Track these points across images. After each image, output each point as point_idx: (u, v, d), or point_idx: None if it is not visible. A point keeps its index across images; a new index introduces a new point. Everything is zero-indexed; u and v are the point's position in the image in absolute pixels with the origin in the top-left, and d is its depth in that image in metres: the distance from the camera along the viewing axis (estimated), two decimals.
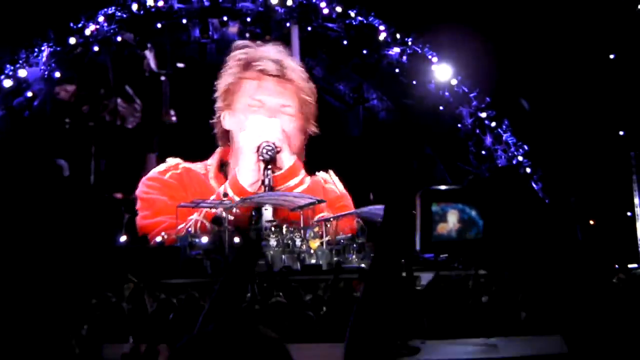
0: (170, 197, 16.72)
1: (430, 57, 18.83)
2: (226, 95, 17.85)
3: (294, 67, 18.19)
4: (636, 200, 16.14)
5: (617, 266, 13.35)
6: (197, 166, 18.01)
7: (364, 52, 19.40)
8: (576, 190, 16.28)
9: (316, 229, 14.87)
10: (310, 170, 18.25)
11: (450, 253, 0.86)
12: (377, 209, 15.70)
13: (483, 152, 18.77)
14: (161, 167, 17.67)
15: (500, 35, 15.77)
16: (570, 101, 16.19)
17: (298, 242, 14.63)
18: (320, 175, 18.47)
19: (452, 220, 0.83)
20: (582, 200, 16.25)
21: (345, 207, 17.52)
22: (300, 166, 17.75)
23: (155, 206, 16.80)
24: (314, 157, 18.39)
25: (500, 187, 0.81)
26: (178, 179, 17.42)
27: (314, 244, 14.37)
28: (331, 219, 14.99)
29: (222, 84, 17.77)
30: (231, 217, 15.70)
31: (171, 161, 17.76)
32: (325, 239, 14.74)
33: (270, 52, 17.82)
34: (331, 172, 18.46)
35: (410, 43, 18.97)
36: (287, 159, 17.32)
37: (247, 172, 17.42)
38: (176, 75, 19.88)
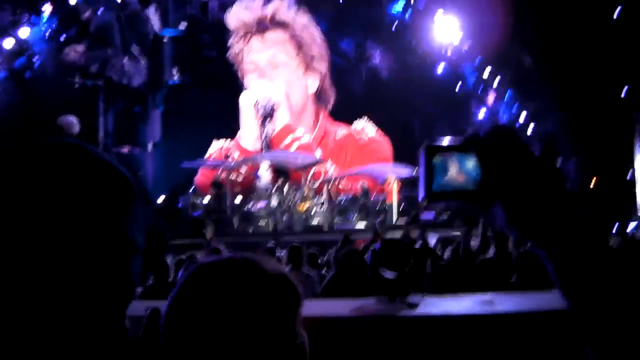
0: None
1: (433, 14, 18.52)
2: (237, 66, 18.39)
3: (279, 9, 17.97)
4: (636, 161, 16.07)
5: (617, 223, 13.46)
6: None
7: (367, 8, 19.12)
8: (577, 151, 16.29)
9: (306, 191, 14.62)
10: (347, 121, 18.28)
11: (450, 202, 0.89)
12: (379, 166, 15.72)
13: (485, 112, 18.64)
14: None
15: None
16: (573, 62, 16.05)
17: (299, 202, 14.44)
18: (354, 125, 18.34)
19: (452, 171, 0.87)
20: (584, 161, 16.27)
21: (374, 152, 17.50)
22: (295, 123, 17.63)
23: None
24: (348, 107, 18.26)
25: (498, 141, 0.84)
26: None
27: (303, 206, 14.15)
28: (332, 180, 14.94)
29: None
30: (234, 178, 15.77)
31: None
32: (320, 200, 14.39)
33: (249, 8, 17.78)
34: (365, 119, 18.34)
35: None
36: (282, 118, 17.30)
37: (248, 131, 17.51)
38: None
